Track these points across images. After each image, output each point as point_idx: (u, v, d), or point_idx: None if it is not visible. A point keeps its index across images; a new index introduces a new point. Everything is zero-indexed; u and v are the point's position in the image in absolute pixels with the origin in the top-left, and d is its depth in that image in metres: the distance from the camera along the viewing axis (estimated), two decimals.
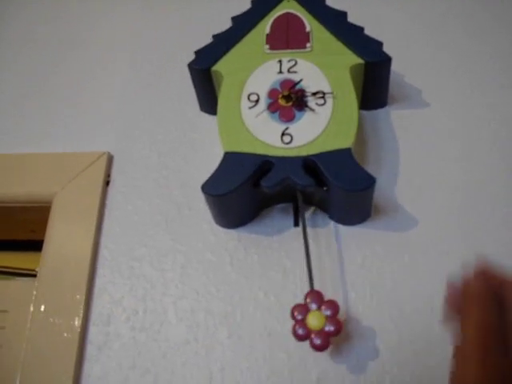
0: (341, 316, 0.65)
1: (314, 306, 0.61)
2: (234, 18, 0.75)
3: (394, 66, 0.76)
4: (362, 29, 0.73)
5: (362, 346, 0.64)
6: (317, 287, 0.66)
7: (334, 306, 0.61)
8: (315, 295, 0.62)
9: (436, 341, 0.63)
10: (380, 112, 0.79)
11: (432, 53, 0.86)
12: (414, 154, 0.76)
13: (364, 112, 0.79)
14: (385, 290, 0.67)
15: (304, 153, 0.65)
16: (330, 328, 0.59)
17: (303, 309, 0.61)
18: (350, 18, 0.75)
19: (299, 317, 0.61)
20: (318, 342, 0.59)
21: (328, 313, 0.60)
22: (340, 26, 0.73)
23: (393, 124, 0.78)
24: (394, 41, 0.82)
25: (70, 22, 1.00)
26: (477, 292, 0.42)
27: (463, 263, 0.44)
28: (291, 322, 0.61)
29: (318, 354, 0.63)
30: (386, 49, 0.72)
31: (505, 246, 0.69)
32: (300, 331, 0.60)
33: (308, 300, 0.62)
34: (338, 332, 0.60)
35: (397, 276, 0.68)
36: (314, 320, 0.60)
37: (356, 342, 0.64)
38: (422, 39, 0.88)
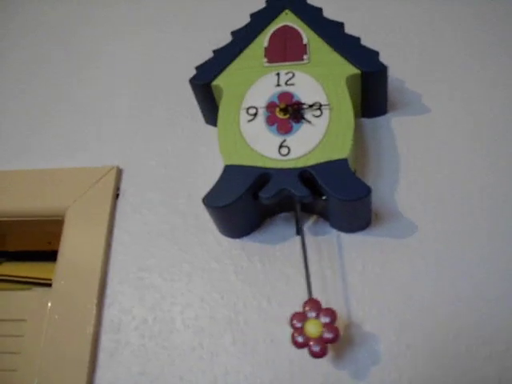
0: (342, 323, 0.67)
1: (312, 314, 0.62)
2: (233, 33, 0.77)
3: (394, 73, 0.78)
4: (358, 39, 0.74)
5: (362, 352, 0.66)
6: (318, 294, 0.68)
7: (331, 313, 0.62)
8: (313, 303, 0.64)
9: (436, 347, 0.65)
10: (381, 119, 0.80)
11: (432, 58, 0.86)
12: (415, 160, 0.77)
13: (365, 120, 0.80)
14: (385, 296, 0.68)
15: (301, 164, 0.67)
16: (328, 335, 0.61)
17: (302, 317, 0.63)
18: (349, 26, 0.77)
19: (298, 325, 0.62)
20: (316, 349, 0.61)
21: (326, 320, 0.62)
22: (337, 36, 0.74)
23: (393, 131, 0.79)
24: (393, 47, 0.83)
25: (80, 43, 1.03)
26: None
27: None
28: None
29: (319, 360, 0.65)
30: (385, 55, 0.74)
31: (506, 252, 0.69)
32: (299, 339, 0.62)
33: (306, 308, 0.63)
34: (335, 339, 0.61)
35: (397, 283, 0.69)
36: (312, 328, 0.61)
37: (356, 348, 0.66)
38: (421, 44, 0.88)
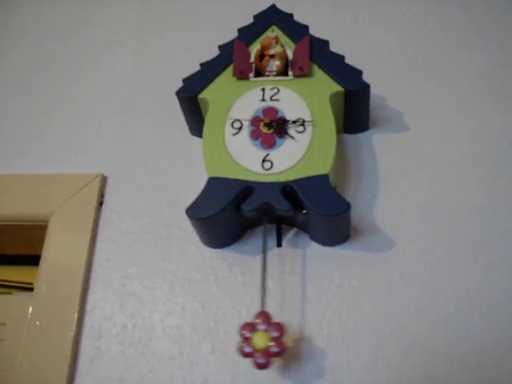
0: (318, 334, 0.69)
1: (261, 327, 0.64)
2: (220, 47, 0.79)
3: (376, 90, 0.79)
4: (342, 57, 0.76)
5: (338, 364, 0.67)
6: (295, 306, 0.70)
7: (280, 328, 0.64)
8: (264, 316, 0.65)
9: (412, 362, 0.66)
10: (362, 136, 0.83)
11: (413, 76, 0.89)
12: (394, 176, 0.79)
13: (347, 136, 0.82)
14: (362, 309, 0.70)
15: (283, 179, 0.68)
16: (274, 349, 0.62)
17: (251, 327, 0.64)
18: (334, 44, 0.79)
19: (247, 335, 0.64)
20: (261, 360, 0.62)
21: (275, 334, 0.63)
22: (322, 54, 0.76)
23: (374, 147, 0.81)
24: (376, 65, 0.85)
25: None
26: None
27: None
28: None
29: (297, 369, 0.67)
30: (368, 73, 0.76)
31: (484, 268, 0.72)
32: (246, 349, 0.63)
33: (257, 320, 0.65)
34: (281, 353, 0.63)
35: (375, 297, 0.71)
36: (260, 340, 0.63)
37: (332, 359, 0.67)
38: (404, 63, 0.91)
